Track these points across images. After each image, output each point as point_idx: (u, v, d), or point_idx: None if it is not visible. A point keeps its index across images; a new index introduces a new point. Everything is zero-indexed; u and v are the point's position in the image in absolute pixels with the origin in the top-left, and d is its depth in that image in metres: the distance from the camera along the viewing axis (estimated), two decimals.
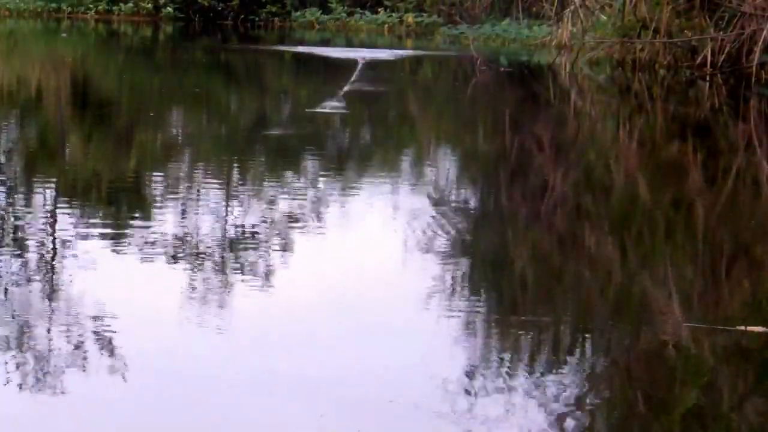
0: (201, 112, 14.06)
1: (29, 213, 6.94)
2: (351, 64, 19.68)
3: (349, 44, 27.72)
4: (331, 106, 13.27)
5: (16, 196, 7.48)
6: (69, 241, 6.18)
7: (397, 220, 7.21)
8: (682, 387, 4.28)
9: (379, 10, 34.16)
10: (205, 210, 7.21)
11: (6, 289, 5.15)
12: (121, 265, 5.76)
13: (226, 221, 6.87)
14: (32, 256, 5.80)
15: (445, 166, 10.21)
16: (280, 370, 4.23)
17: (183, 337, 4.65)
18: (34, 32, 29.53)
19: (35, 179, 8.30)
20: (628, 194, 8.53)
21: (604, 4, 21.63)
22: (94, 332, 4.57)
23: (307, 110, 13.30)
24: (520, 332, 4.83)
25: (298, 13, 34.54)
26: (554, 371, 4.31)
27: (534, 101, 16.34)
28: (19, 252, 5.89)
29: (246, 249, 6.17)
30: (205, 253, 6.03)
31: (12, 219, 6.72)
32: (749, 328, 4.80)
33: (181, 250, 6.07)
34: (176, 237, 6.37)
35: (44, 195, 7.67)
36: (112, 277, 5.55)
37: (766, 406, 4.10)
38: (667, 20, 19.28)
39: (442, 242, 6.64)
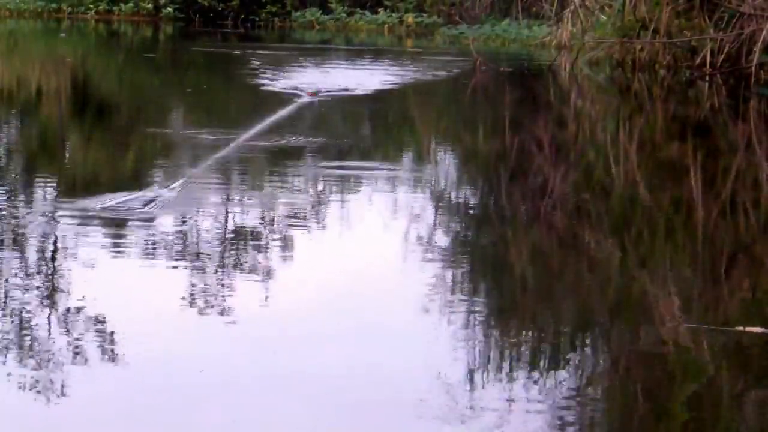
0: None
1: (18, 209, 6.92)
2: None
3: (328, 52, 26.93)
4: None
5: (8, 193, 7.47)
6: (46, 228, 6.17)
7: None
8: (680, 387, 4.29)
9: (379, 10, 34.15)
10: None
11: (4, 289, 5.16)
12: (114, 264, 5.76)
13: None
14: (26, 253, 5.81)
15: (445, 168, 10.22)
16: (280, 371, 4.24)
17: (181, 337, 4.66)
18: (33, 32, 29.52)
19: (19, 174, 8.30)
20: (627, 194, 8.54)
21: (603, 4, 21.63)
22: (90, 333, 4.58)
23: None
24: (520, 332, 4.85)
25: (298, 13, 34.53)
26: (554, 371, 4.32)
27: (534, 101, 16.35)
28: (12, 250, 5.90)
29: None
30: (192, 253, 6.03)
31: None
32: (748, 329, 4.82)
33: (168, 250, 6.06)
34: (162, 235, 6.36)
35: (32, 191, 7.66)
36: (106, 276, 5.55)
37: (764, 406, 4.11)
38: (666, 20, 19.28)
39: (441, 243, 6.66)
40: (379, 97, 14.95)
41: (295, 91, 14.02)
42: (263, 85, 15.46)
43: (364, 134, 11.91)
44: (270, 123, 10.97)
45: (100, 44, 27.30)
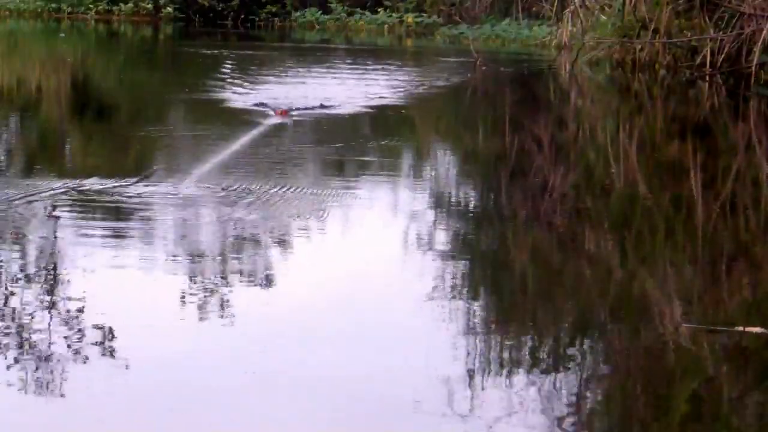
0: None
1: None
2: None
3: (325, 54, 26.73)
4: None
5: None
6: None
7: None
8: (680, 387, 4.29)
9: (379, 10, 34.17)
10: None
11: (4, 287, 5.16)
12: (111, 263, 5.76)
13: None
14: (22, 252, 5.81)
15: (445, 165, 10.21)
16: (279, 371, 4.24)
17: (180, 337, 4.66)
18: (33, 32, 29.52)
19: None
20: (627, 194, 8.53)
21: (603, 4, 21.65)
22: (88, 334, 4.57)
23: None
24: (520, 332, 4.84)
25: (298, 13, 34.57)
26: (554, 371, 4.32)
27: (534, 101, 16.35)
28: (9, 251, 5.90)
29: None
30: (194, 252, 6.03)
31: None
32: (747, 329, 4.81)
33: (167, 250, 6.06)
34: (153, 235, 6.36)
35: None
36: (103, 276, 5.55)
37: (763, 407, 4.11)
38: (666, 20, 19.29)
39: (442, 242, 6.66)
40: (366, 116, 12.68)
41: (262, 109, 11.74)
42: (228, 99, 13.08)
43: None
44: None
45: (99, 44, 27.31)
